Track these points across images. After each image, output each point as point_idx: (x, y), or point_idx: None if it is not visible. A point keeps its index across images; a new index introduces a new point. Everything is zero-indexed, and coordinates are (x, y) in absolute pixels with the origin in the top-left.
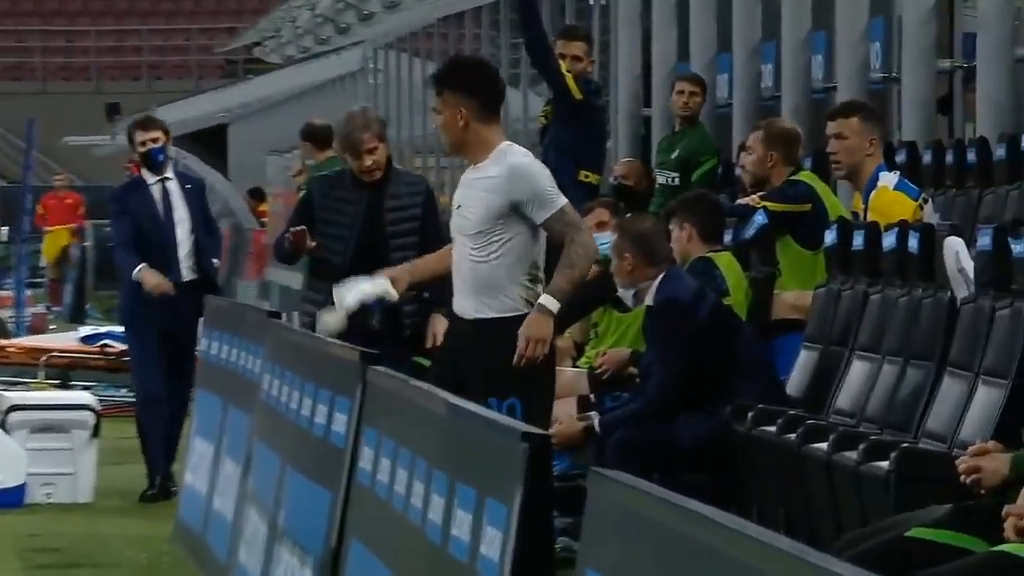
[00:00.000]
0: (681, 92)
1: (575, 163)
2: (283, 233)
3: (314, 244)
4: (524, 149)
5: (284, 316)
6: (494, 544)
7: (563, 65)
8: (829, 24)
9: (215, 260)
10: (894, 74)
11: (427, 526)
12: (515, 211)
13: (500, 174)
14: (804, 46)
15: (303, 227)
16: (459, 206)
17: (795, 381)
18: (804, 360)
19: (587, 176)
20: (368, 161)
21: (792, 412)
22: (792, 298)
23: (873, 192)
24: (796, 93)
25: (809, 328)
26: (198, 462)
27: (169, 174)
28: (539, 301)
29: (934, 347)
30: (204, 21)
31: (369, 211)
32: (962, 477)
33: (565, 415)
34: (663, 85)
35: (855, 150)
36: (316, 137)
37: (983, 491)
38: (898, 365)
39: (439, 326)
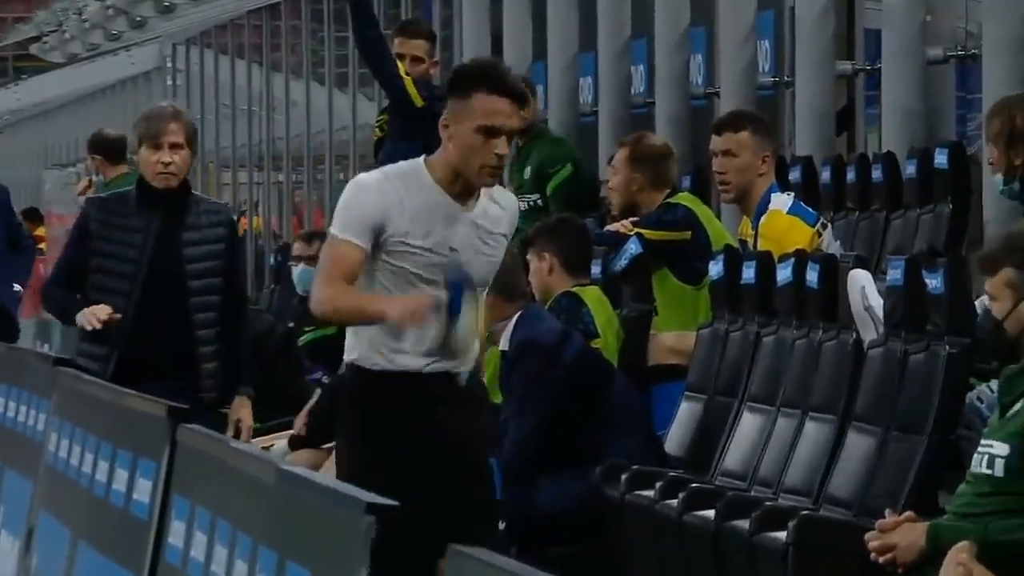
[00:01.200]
0: None
1: None
2: (56, 281)
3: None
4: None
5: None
6: None
7: (401, 67)
8: (711, 18)
9: (15, 285)
10: (786, 78)
11: None
12: None
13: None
14: (681, 44)
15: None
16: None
17: (675, 437)
18: (685, 412)
19: None
20: (168, 156)
21: (672, 474)
22: (671, 340)
23: (764, 217)
24: (672, 100)
25: (691, 375)
26: None
27: None
28: None
29: (837, 398)
30: None
31: (161, 242)
32: (873, 555)
33: None
34: None
35: (746, 169)
36: (107, 150)
37: (899, 569)
38: (796, 419)
39: (245, 413)
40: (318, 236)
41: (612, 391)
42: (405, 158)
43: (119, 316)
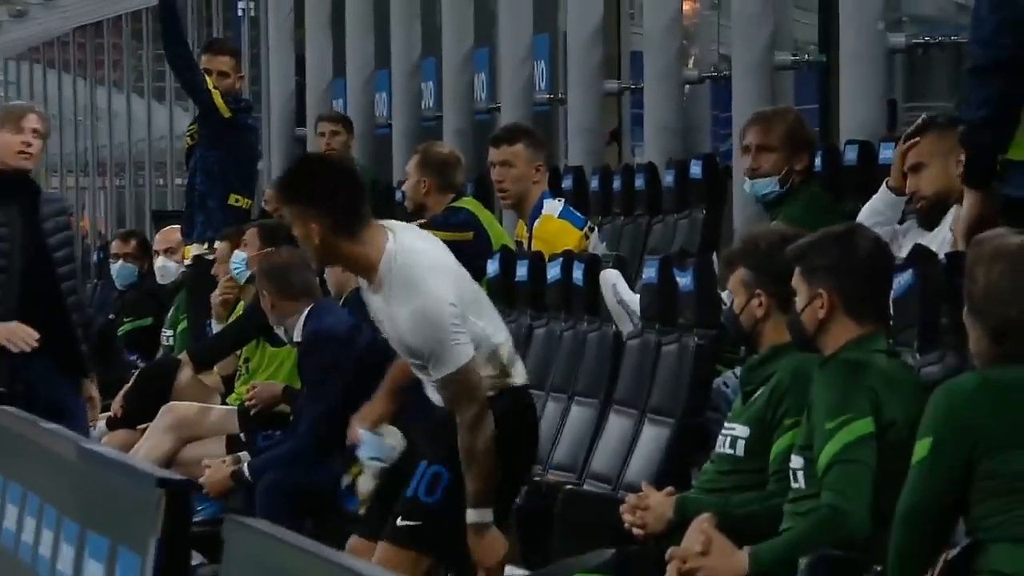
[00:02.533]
0: (322, 134)
1: (224, 186)
2: None
3: None
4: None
5: None
6: None
7: (209, 81)
8: (492, 40)
9: None
10: (560, 95)
11: None
12: None
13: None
14: (466, 63)
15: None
16: None
17: None
18: None
19: (237, 200)
20: (29, 138)
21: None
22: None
23: (538, 221)
24: (458, 114)
25: None
26: None
27: None
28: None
29: (600, 384)
30: None
31: (26, 230)
32: (626, 523)
33: (214, 457)
34: (319, 103)
35: (521, 178)
36: None
37: (647, 536)
38: (563, 402)
39: (93, 392)
40: (134, 235)
41: None
42: (215, 164)
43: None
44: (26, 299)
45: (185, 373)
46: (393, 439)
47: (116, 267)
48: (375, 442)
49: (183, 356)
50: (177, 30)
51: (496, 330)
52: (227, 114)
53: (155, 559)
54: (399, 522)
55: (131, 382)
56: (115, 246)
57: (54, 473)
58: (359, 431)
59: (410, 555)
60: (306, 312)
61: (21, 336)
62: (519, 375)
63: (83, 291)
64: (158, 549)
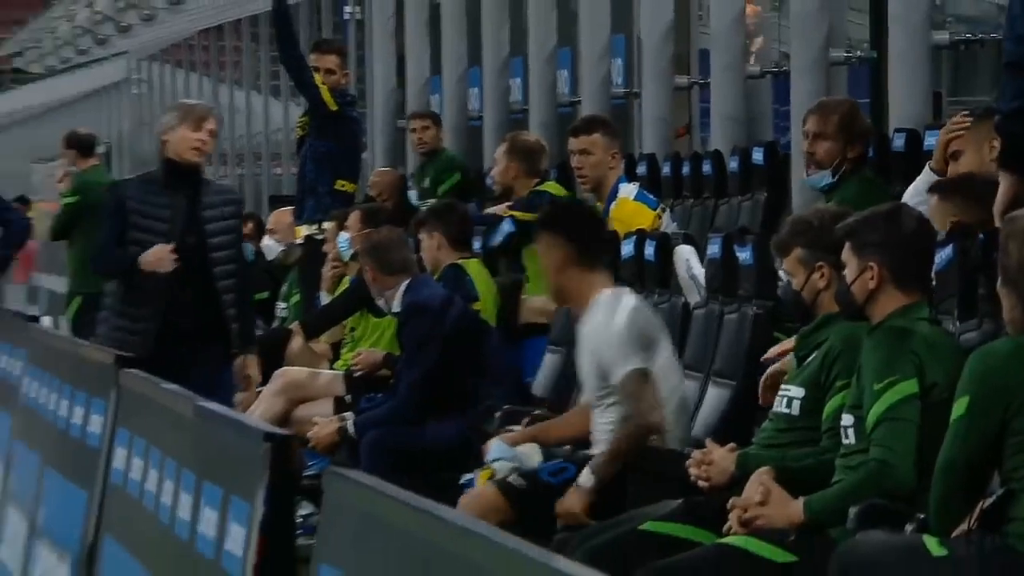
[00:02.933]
0: (414, 130)
1: (331, 173)
2: (109, 245)
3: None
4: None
5: (48, 320)
6: (238, 540)
7: (317, 78)
8: (573, 40)
9: None
10: (635, 90)
11: (176, 523)
12: None
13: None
14: (550, 61)
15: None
16: None
17: (540, 382)
18: (548, 362)
19: (343, 185)
20: (206, 137)
21: (536, 412)
22: (539, 303)
23: (614, 203)
24: (543, 107)
25: (553, 332)
26: None
27: None
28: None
29: None
30: None
31: (188, 217)
32: (692, 477)
33: (323, 417)
34: (417, 98)
35: (598, 164)
36: (79, 145)
37: (711, 488)
38: None
39: (253, 370)
40: (250, 217)
41: (488, 346)
42: (323, 153)
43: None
44: (180, 280)
45: (296, 341)
46: (532, 451)
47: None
48: (502, 447)
49: (295, 326)
50: (289, 33)
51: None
52: (334, 107)
53: (263, 506)
54: (512, 478)
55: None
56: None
57: (174, 429)
58: (491, 441)
59: (503, 504)
60: (404, 286)
61: (163, 256)
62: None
63: (248, 276)
64: (266, 497)
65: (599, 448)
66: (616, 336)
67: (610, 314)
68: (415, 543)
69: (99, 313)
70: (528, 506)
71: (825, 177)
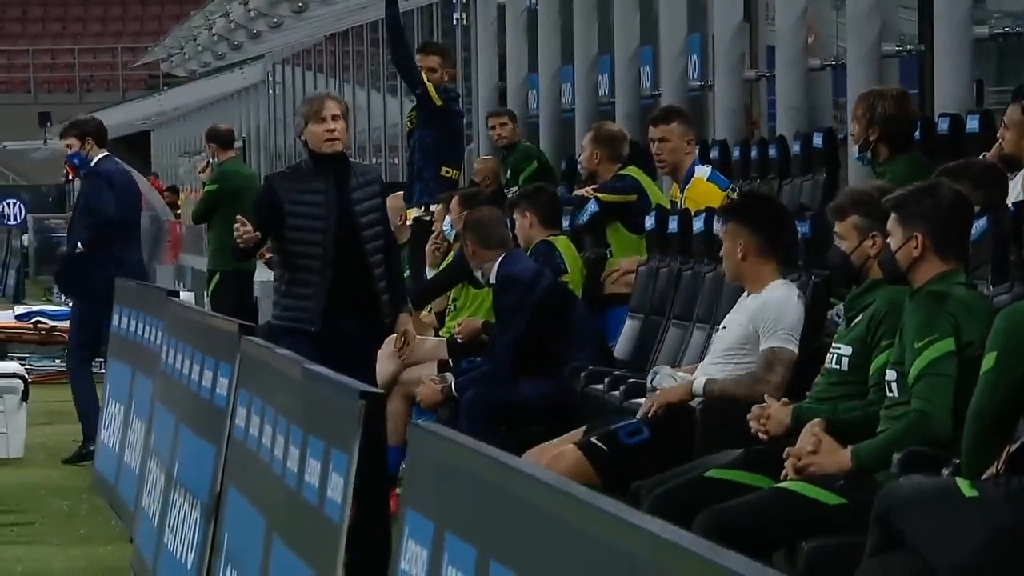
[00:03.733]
0: (493, 128)
1: (437, 160)
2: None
3: (267, 247)
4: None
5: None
6: (338, 489)
7: (424, 76)
8: (654, 40)
9: (78, 242)
10: (709, 83)
11: (286, 474)
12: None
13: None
14: (634, 59)
15: (254, 232)
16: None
17: (621, 346)
18: (629, 328)
19: (447, 172)
20: (332, 124)
21: (617, 372)
22: (626, 264)
23: (689, 183)
24: (627, 100)
25: (633, 301)
26: (111, 422)
27: (91, 170)
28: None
29: None
30: (128, 41)
31: (339, 201)
32: (752, 426)
33: (428, 377)
34: (516, 94)
35: (675, 150)
36: (219, 139)
37: (769, 438)
38: (705, 331)
39: (409, 326)
40: None
41: (575, 314)
42: (429, 143)
43: (254, 234)
44: (336, 260)
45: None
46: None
47: None
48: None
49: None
50: (400, 37)
51: None
52: (439, 102)
53: (358, 457)
54: (592, 438)
55: None
56: None
57: (285, 389)
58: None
59: (583, 464)
60: (500, 260)
61: (246, 237)
62: None
63: (394, 248)
64: (361, 449)
65: (703, 375)
66: (788, 316)
67: (786, 299)
68: (491, 490)
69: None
70: (605, 466)
71: (856, 153)
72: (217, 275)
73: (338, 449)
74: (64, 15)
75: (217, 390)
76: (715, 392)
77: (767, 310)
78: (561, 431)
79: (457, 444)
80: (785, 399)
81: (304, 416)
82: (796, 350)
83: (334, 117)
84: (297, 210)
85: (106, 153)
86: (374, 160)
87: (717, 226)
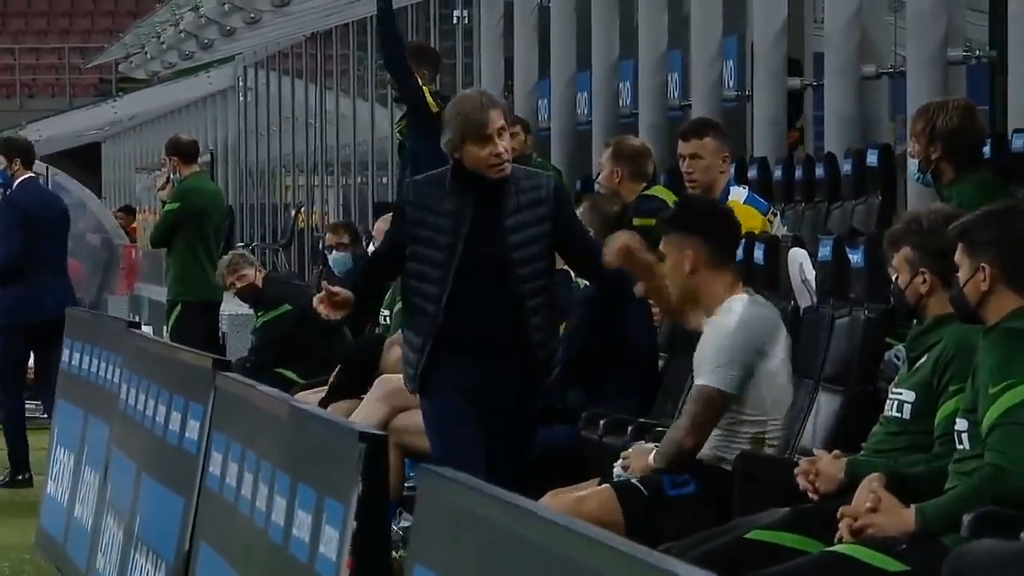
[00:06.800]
0: None
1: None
2: (366, 263)
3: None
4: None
5: (148, 329)
6: (332, 543)
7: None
8: (684, 43)
9: None
10: (747, 92)
11: (270, 527)
12: None
13: None
14: (660, 64)
15: (333, 291)
16: None
17: None
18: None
19: None
20: (500, 147)
21: (641, 420)
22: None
23: None
24: (653, 111)
25: (662, 341)
26: (60, 472)
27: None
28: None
29: None
30: (76, 40)
31: (478, 225)
32: (800, 482)
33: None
34: (525, 102)
35: (709, 168)
36: (182, 151)
37: (819, 496)
38: None
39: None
40: (345, 226)
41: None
42: (422, 154)
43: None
44: (464, 291)
45: (394, 351)
46: None
47: (332, 257)
48: None
49: (396, 335)
50: (393, 32)
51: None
52: (435, 109)
53: (357, 508)
54: (633, 480)
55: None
56: (328, 238)
57: (269, 431)
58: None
59: (612, 507)
60: None
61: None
62: None
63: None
64: (360, 498)
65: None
66: (727, 342)
67: (738, 325)
68: (506, 538)
69: None
70: (639, 512)
71: (918, 173)
72: (179, 306)
73: (333, 499)
74: (3, 10)
75: (186, 434)
76: (661, 459)
77: (706, 341)
78: (569, 483)
79: (471, 488)
80: (837, 451)
81: (291, 461)
82: (723, 386)
83: (500, 132)
84: (419, 234)
85: (31, 175)
86: (359, 180)
87: (759, 253)
